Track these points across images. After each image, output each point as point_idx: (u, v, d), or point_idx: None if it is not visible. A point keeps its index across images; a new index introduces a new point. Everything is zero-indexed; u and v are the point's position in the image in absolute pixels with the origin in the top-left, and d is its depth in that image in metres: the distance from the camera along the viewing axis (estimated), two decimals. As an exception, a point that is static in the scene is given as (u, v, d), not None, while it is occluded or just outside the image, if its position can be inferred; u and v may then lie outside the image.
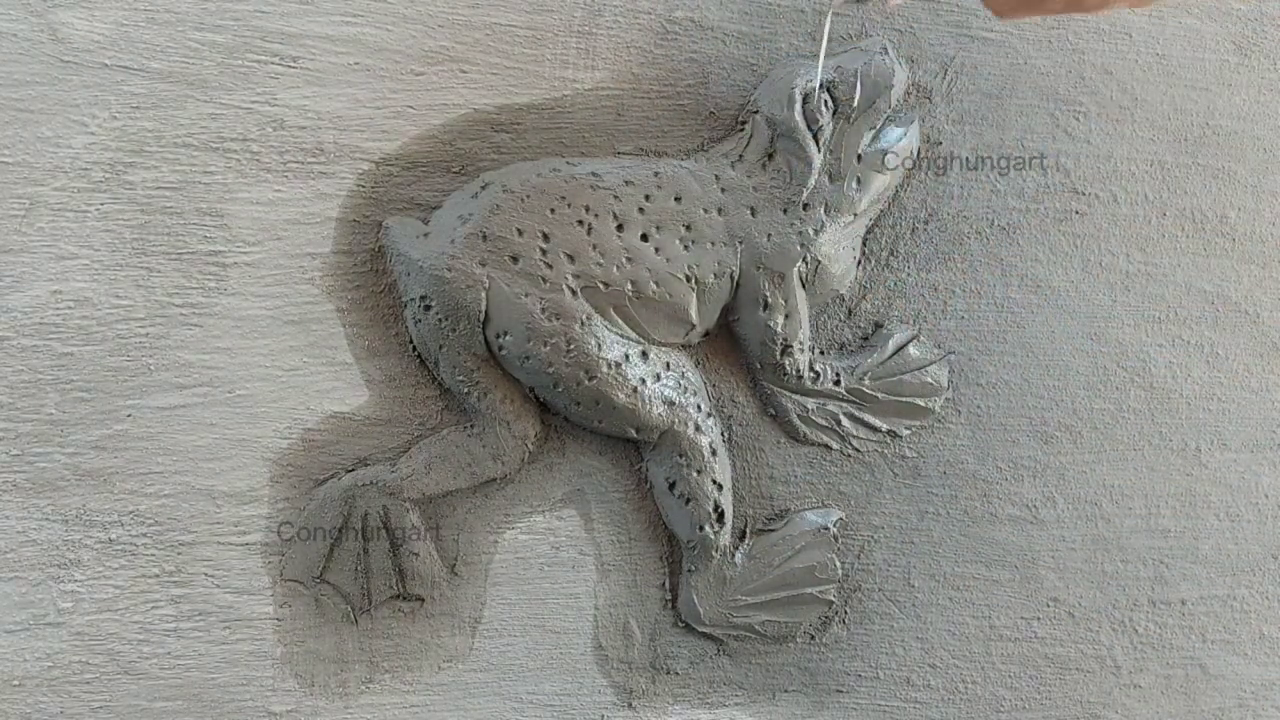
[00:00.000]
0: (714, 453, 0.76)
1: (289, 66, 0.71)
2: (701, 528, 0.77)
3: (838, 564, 0.80)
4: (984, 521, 0.82)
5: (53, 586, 0.72)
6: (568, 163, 0.73)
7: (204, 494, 0.73)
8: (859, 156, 0.74)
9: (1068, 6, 0.59)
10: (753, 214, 0.74)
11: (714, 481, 0.76)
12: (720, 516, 0.77)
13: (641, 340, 0.74)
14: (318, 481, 0.74)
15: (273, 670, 0.75)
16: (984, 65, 0.78)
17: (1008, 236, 0.80)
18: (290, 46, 0.71)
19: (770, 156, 0.74)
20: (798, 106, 0.73)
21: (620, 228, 0.72)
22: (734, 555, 0.78)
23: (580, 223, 0.72)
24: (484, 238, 0.71)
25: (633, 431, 0.75)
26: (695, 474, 0.76)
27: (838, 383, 0.78)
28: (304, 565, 0.74)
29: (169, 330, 0.72)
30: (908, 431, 0.80)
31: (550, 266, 0.71)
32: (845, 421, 0.79)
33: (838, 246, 0.76)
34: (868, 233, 0.78)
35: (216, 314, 0.72)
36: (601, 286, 0.72)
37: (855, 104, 0.73)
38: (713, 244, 0.74)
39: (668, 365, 0.75)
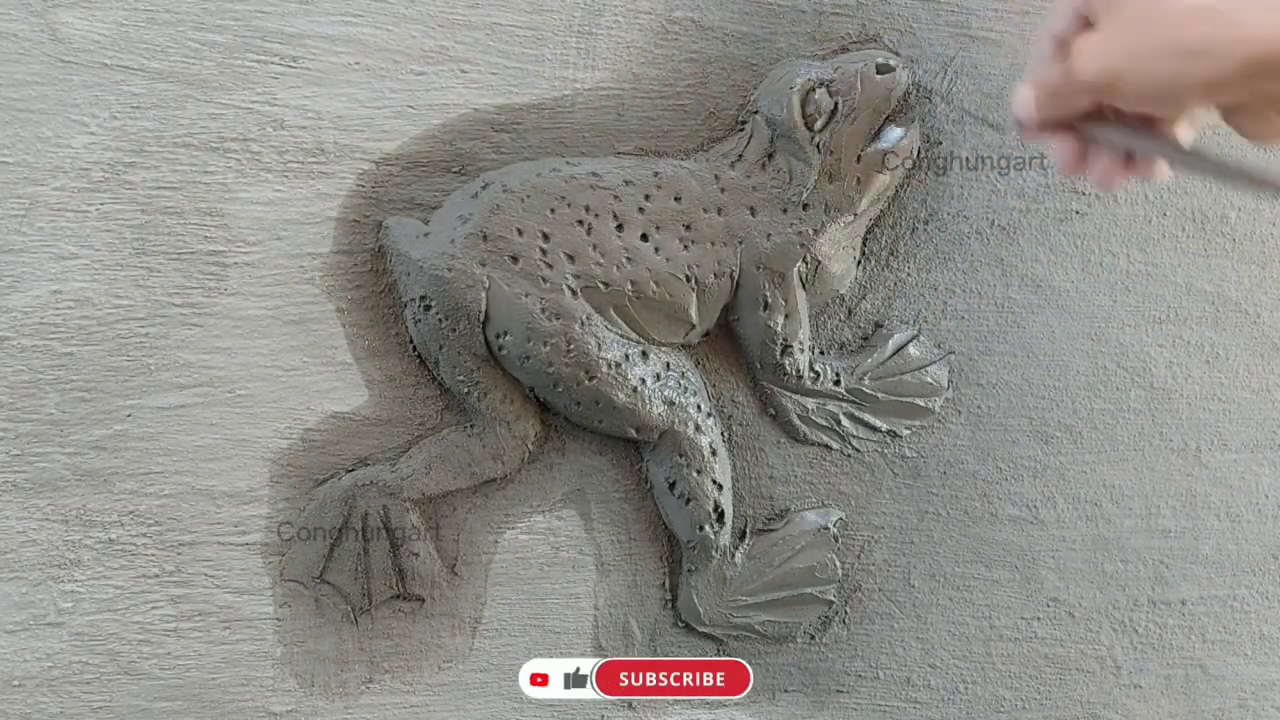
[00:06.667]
0: (714, 453, 0.76)
1: (289, 66, 0.71)
2: (701, 528, 0.77)
3: (838, 564, 0.80)
4: (984, 521, 0.82)
5: (53, 586, 0.72)
6: (568, 163, 0.73)
7: (204, 494, 0.73)
8: (859, 156, 0.74)
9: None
10: (753, 214, 0.74)
11: (714, 481, 0.76)
12: (720, 516, 0.77)
13: (641, 340, 0.74)
14: (318, 481, 0.74)
15: (273, 670, 0.75)
16: (984, 65, 0.78)
17: (1008, 236, 0.80)
18: (290, 46, 0.71)
19: (770, 156, 0.74)
20: (797, 106, 0.73)
21: (620, 228, 0.72)
22: (734, 555, 0.78)
23: (580, 223, 0.72)
24: (484, 238, 0.71)
25: (633, 431, 0.75)
26: (695, 474, 0.76)
27: (838, 383, 0.78)
28: (304, 565, 0.74)
29: (169, 330, 0.72)
30: (908, 431, 0.80)
31: (550, 266, 0.71)
32: (845, 421, 0.79)
33: (838, 246, 0.76)
34: (868, 233, 0.78)
35: (216, 314, 0.72)
36: (601, 286, 0.72)
37: (855, 104, 0.73)
38: (713, 244, 0.74)
39: (668, 365, 0.75)
